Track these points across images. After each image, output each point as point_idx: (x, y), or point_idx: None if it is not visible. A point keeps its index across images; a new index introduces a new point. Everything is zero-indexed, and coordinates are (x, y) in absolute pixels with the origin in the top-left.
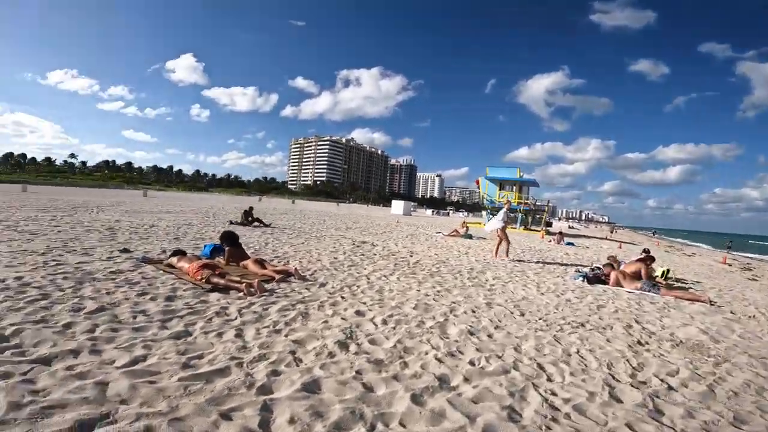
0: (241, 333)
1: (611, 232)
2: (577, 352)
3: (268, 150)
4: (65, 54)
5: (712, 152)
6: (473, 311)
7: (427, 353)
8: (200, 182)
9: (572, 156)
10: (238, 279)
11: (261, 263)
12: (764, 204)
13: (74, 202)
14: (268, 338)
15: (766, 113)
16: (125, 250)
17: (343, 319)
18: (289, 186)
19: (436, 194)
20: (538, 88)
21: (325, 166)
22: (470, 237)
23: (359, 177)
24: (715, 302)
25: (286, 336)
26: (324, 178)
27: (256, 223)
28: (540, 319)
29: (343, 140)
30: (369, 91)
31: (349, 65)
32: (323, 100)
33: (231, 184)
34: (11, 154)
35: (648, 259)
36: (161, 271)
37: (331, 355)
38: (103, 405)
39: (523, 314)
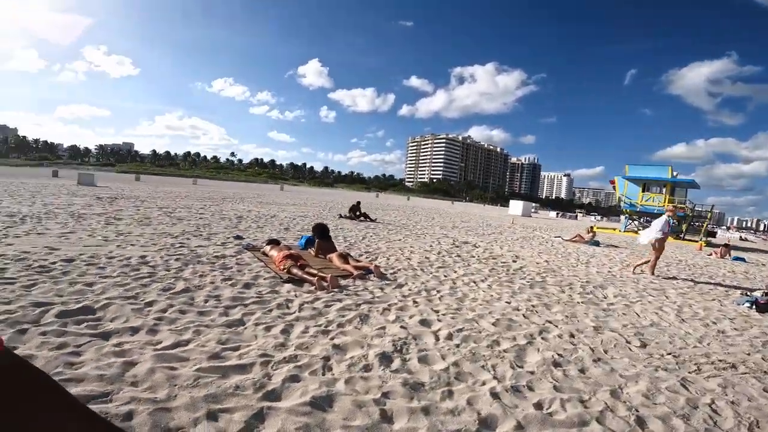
0: (289, 329)
1: None
2: (711, 403)
3: (387, 148)
4: (222, 64)
5: None
6: (572, 335)
7: (483, 383)
8: (327, 178)
9: (749, 154)
10: (315, 272)
11: (345, 257)
12: None
13: (226, 194)
14: (312, 339)
15: None
16: (238, 237)
17: (402, 327)
18: (407, 183)
19: (563, 195)
20: (695, 77)
21: (442, 164)
22: (597, 244)
23: (476, 175)
24: None
25: (331, 339)
26: (440, 176)
27: (362, 218)
28: (668, 353)
29: (460, 138)
30: (485, 87)
31: (462, 62)
32: (438, 98)
33: (353, 180)
34: (189, 153)
35: None
36: (256, 259)
37: (366, 368)
38: (113, 384)
39: (644, 345)
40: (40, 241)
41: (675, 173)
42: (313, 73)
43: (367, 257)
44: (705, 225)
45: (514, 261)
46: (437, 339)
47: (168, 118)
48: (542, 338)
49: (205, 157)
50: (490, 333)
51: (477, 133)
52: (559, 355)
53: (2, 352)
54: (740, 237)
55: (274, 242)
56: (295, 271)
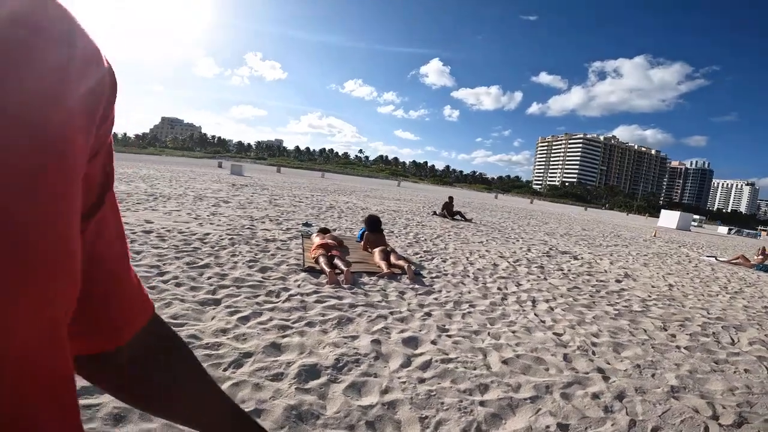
0: (251, 318)
1: None
2: None
3: (514, 148)
4: (352, 66)
5: None
6: (620, 396)
7: None
8: (448, 177)
9: None
10: (341, 264)
11: (386, 253)
12: None
13: (342, 187)
14: (261, 332)
15: None
16: (306, 224)
17: (375, 342)
18: (534, 185)
19: (743, 208)
20: None
21: (577, 167)
22: (767, 270)
23: (622, 180)
24: None
25: (280, 336)
26: (574, 180)
27: (457, 217)
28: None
29: (601, 138)
30: (634, 83)
31: (601, 56)
32: (574, 95)
33: (475, 180)
34: (324, 149)
35: None
36: (300, 246)
37: (276, 377)
38: None
39: (739, 425)
40: (147, 215)
41: None
42: (434, 72)
43: (420, 257)
44: None
45: (619, 281)
46: (402, 368)
47: (310, 117)
48: (564, 397)
49: (336, 153)
50: (486, 375)
51: (625, 133)
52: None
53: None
54: None
55: (323, 231)
56: (321, 260)
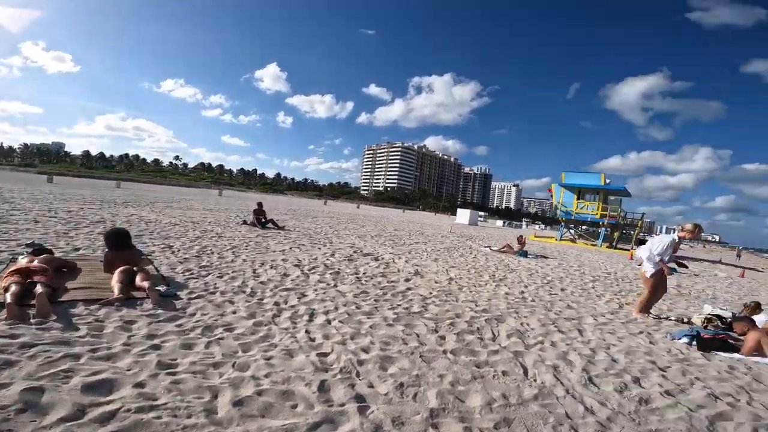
0: None
1: (738, 257)
2: None
3: (345, 156)
4: (173, 64)
5: None
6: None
7: None
8: (279, 185)
9: (675, 167)
10: (42, 290)
11: (128, 274)
12: None
13: (140, 197)
14: None
15: None
16: (32, 245)
17: (34, 390)
18: (362, 191)
19: (512, 205)
20: (631, 92)
21: (397, 173)
22: (525, 255)
23: (431, 184)
24: None
25: None
26: (395, 185)
27: (270, 225)
28: None
29: (415, 147)
30: (442, 98)
31: (420, 72)
32: (396, 107)
33: (307, 187)
34: (126, 155)
35: None
36: None
37: None
38: None
39: None
40: None
41: (607, 181)
42: (270, 77)
43: (189, 274)
44: (636, 233)
45: (408, 279)
46: (60, 420)
47: (109, 118)
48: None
49: (144, 159)
50: (198, 426)
51: (434, 143)
52: None
53: None
54: None
55: (38, 252)
56: (11, 289)
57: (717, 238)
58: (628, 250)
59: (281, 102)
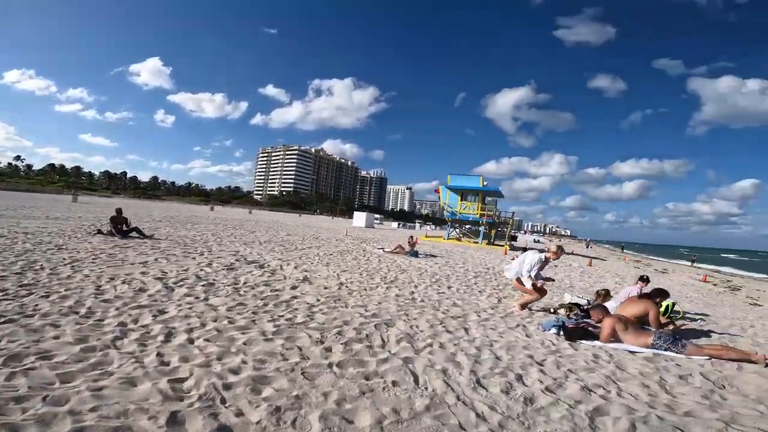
0: None
1: (586, 248)
2: None
3: (236, 159)
4: (22, 54)
5: (664, 168)
6: None
7: None
8: (156, 189)
9: (536, 171)
10: None
11: None
12: (714, 218)
13: None
14: None
15: (714, 129)
16: None
17: None
18: (255, 196)
19: (406, 207)
20: (505, 102)
21: (293, 177)
22: (416, 255)
23: (328, 188)
24: None
25: None
26: (291, 189)
27: (133, 234)
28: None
29: (312, 150)
30: (341, 102)
31: (321, 75)
32: (294, 109)
33: (191, 192)
34: None
35: (658, 294)
36: None
37: None
38: None
39: None
40: None
41: (485, 183)
42: (150, 71)
43: (12, 293)
44: (508, 230)
45: (295, 287)
46: None
47: None
48: None
49: None
50: None
51: (332, 147)
52: None
53: None
54: (534, 240)
55: None
56: None
57: (569, 232)
58: (503, 246)
59: (161, 99)
